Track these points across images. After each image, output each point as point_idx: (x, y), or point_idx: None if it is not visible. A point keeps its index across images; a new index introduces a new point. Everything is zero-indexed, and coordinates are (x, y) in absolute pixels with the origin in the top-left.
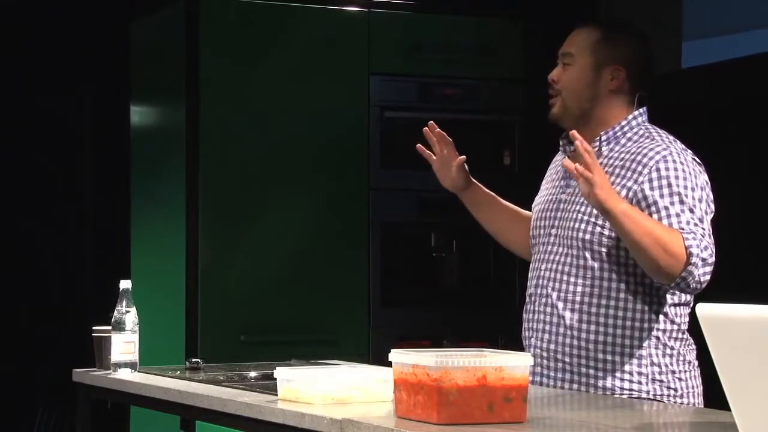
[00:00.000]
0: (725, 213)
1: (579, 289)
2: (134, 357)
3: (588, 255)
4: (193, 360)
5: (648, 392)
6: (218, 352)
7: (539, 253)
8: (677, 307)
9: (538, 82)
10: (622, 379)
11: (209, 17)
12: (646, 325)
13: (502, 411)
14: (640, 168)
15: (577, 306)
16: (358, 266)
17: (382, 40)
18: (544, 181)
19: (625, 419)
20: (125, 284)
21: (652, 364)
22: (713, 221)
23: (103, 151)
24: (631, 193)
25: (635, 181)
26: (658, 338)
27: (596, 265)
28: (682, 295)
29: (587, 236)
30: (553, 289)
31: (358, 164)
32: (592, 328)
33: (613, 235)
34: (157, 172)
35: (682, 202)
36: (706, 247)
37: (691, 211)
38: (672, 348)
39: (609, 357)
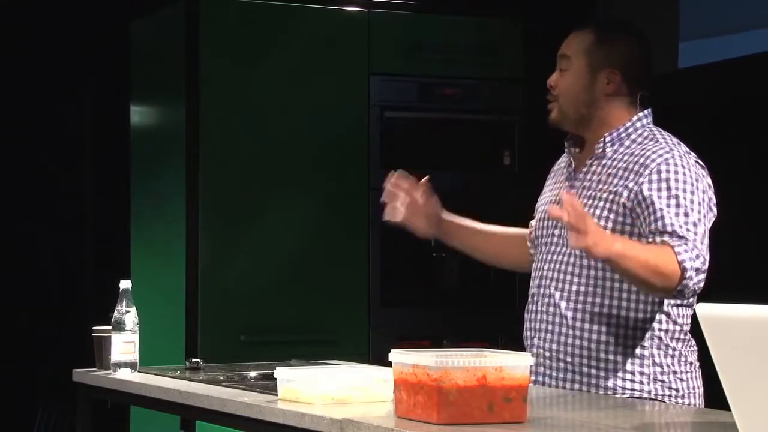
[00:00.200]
0: (725, 213)
1: (582, 288)
2: (134, 357)
3: None
4: (193, 360)
5: (649, 392)
6: (218, 352)
7: (542, 253)
8: (679, 308)
9: (538, 82)
10: (623, 379)
11: (209, 17)
12: (648, 325)
13: (502, 411)
14: (641, 170)
15: (579, 306)
16: (358, 266)
17: (382, 40)
18: (548, 182)
19: (626, 419)
20: (125, 284)
21: (654, 364)
22: (714, 223)
23: (103, 151)
24: (633, 195)
25: (636, 182)
26: (660, 339)
27: (599, 264)
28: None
29: None
30: (555, 288)
31: (358, 164)
32: (594, 327)
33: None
34: (157, 172)
35: (678, 204)
36: (698, 256)
37: (686, 214)
38: (674, 349)
39: (611, 357)
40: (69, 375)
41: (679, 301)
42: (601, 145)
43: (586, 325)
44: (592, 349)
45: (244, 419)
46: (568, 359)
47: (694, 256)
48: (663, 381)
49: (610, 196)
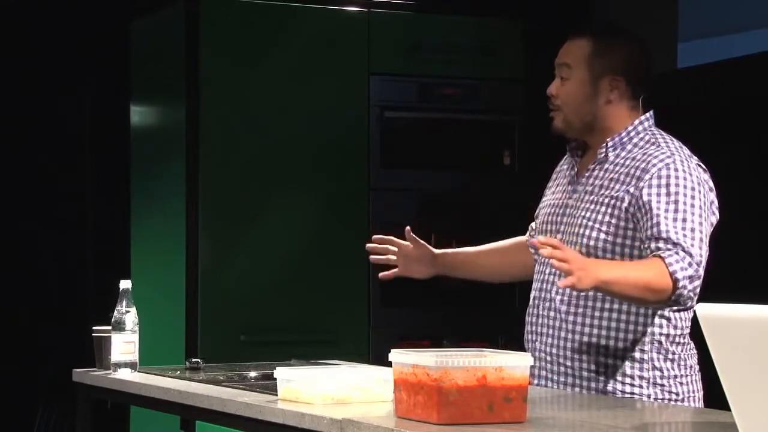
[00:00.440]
0: (725, 213)
1: (582, 293)
2: (134, 357)
3: (591, 258)
4: (193, 360)
5: (649, 396)
6: (218, 352)
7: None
8: (679, 312)
9: (538, 82)
10: (623, 383)
11: (209, 17)
12: (648, 329)
13: (502, 411)
14: (642, 174)
15: (580, 309)
16: (358, 266)
17: (382, 40)
18: (550, 185)
19: (626, 419)
20: (125, 284)
21: (654, 368)
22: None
23: (103, 151)
24: (633, 200)
25: (636, 187)
26: (660, 343)
27: None
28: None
29: (591, 242)
30: (556, 292)
31: (358, 164)
32: (595, 331)
33: (617, 240)
34: (157, 172)
35: (676, 210)
36: (690, 264)
37: (684, 219)
38: (674, 353)
39: (611, 361)
40: (69, 375)
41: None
42: (604, 150)
43: (587, 329)
44: (591, 353)
45: (244, 419)
46: (568, 363)
47: (686, 264)
48: (663, 385)
49: (612, 201)
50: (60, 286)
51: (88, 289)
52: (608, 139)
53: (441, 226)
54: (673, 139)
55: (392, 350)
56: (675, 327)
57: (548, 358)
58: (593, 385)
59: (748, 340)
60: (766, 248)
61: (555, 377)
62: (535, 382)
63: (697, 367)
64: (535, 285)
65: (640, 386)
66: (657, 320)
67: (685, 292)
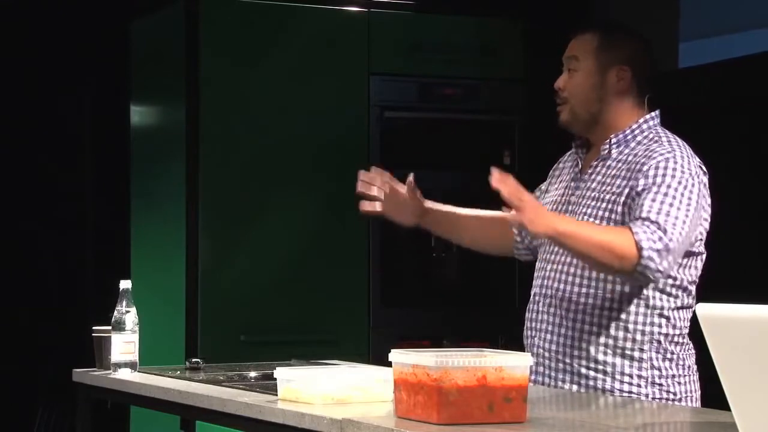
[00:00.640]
0: (725, 213)
1: (583, 290)
2: (134, 357)
3: None
4: (193, 360)
5: (647, 395)
6: (218, 352)
7: (545, 253)
8: (679, 311)
9: (538, 82)
10: (621, 382)
11: (209, 17)
12: (647, 328)
13: (502, 411)
14: (641, 167)
15: (580, 307)
16: (358, 266)
17: (382, 40)
18: (552, 181)
19: (626, 419)
20: (125, 284)
21: (652, 367)
22: (715, 223)
23: (103, 151)
24: (632, 192)
25: (635, 179)
26: (659, 342)
27: None
28: (684, 298)
29: None
30: (557, 289)
31: (358, 164)
32: (594, 329)
33: None
34: (157, 172)
35: (665, 194)
36: (660, 239)
37: (671, 205)
38: (672, 352)
39: (609, 359)
40: (69, 375)
41: (679, 304)
42: (607, 146)
43: (586, 327)
44: (590, 351)
45: (244, 419)
46: (567, 360)
47: (656, 238)
48: (661, 384)
49: (613, 197)
50: (60, 286)
51: (88, 289)
52: (612, 136)
53: None
54: (677, 138)
55: (392, 350)
56: (674, 326)
57: (546, 355)
58: (591, 383)
59: (748, 340)
60: (766, 248)
61: (553, 374)
62: (533, 378)
63: (695, 368)
64: (535, 282)
65: (638, 385)
66: (656, 319)
67: (652, 265)
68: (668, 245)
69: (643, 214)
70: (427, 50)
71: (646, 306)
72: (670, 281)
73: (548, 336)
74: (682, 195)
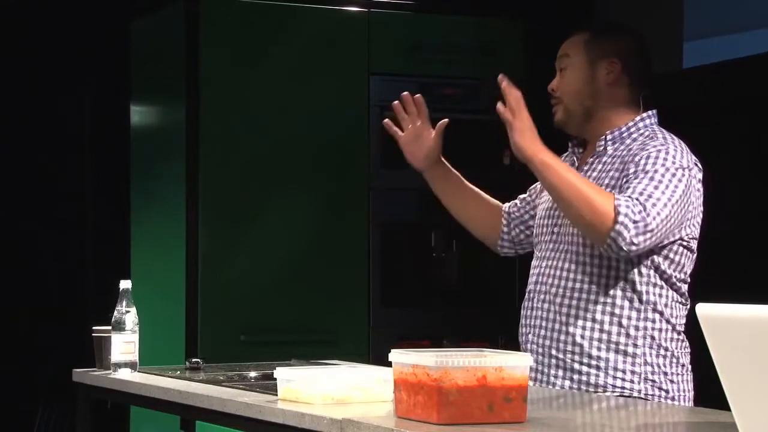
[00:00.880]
0: (725, 213)
1: (577, 285)
2: (134, 357)
3: (588, 251)
4: (193, 360)
5: (640, 391)
6: (218, 352)
7: (541, 250)
8: (673, 308)
9: (538, 82)
10: (614, 377)
11: (209, 17)
12: (641, 323)
13: (502, 411)
14: (634, 158)
15: (573, 302)
16: (358, 266)
17: (382, 40)
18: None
19: (626, 419)
20: (125, 284)
21: (646, 363)
22: (715, 223)
23: (103, 151)
24: (624, 180)
25: (627, 170)
26: (652, 338)
27: (595, 261)
28: (677, 295)
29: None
30: (551, 285)
31: (358, 164)
32: (588, 324)
33: None
34: (157, 172)
35: (651, 178)
36: (640, 212)
37: (655, 188)
38: (666, 349)
39: (603, 354)
40: (69, 375)
41: (673, 298)
42: (603, 142)
43: (579, 322)
44: (584, 345)
45: (244, 419)
46: (560, 356)
47: (636, 210)
48: (654, 381)
49: (607, 190)
50: (60, 286)
51: (88, 289)
52: (607, 132)
53: (441, 226)
54: (675, 136)
55: (392, 350)
56: (668, 322)
57: (540, 351)
58: (584, 378)
59: (748, 340)
60: (766, 248)
61: (546, 370)
62: None
63: (690, 367)
64: (531, 279)
65: (631, 381)
66: (650, 314)
67: (625, 233)
68: (646, 221)
69: (628, 193)
70: (427, 50)
71: (640, 301)
72: (658, 273)
73: (542, 332)
74: (670, 181)
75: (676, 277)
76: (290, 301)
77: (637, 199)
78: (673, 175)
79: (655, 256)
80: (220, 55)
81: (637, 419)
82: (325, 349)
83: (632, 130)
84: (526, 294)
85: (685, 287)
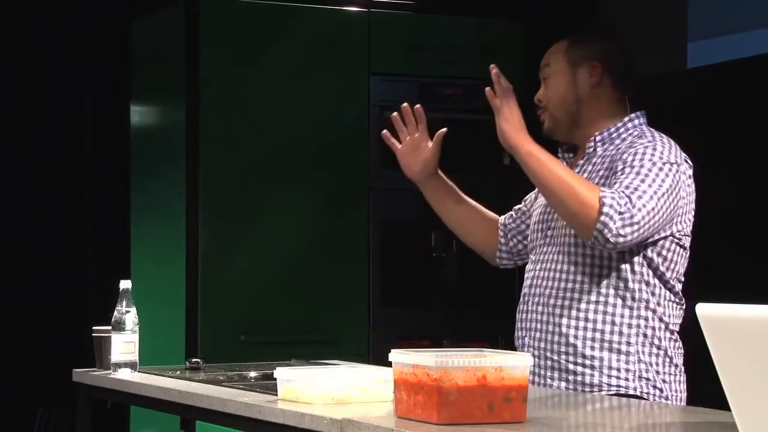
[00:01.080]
0: (725, 213)
1: (569, 285)
2: (134, 357)
3: (580, 251)
4: (193, 360)
5: (634, 389)
6: (218, 352)
7: (536, 254)
8: (666, 306)
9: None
10: (609, 376)
11: (209, 17)
12: (634, 321)
13: (502, 411)
14: (622, 156)
15: (567, 302)
16: (358, 266)
17: (382, 40)
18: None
19: (625, 419)
20: (125, 284)
21: (639, 361)
22: (714, 223)
23: (103, 151)
24: (612, 178)
25: (615, 169)
26: (645, 336)
27: (588, 261)
28: (669, 293)
29: (580, 238)
30: (545, 287)
31: (358, 164)
32: (581, 324)
33: None
34: (157, 172)
35: (638, 173)
36: (626, 204)
37: (642, 181)
38: (659, 347)
39: (597, 353)
40: (69, 375)
41: (666, 297)
42: (592, 144)
43: (573, 321)
44: (578, 345)
45: (244, 419)
46: (555, 357)
47: (622, 202)
48: (648, 379)
49: None
50: (60, 286)
51: (88, 289)
52: (596, 133)
53: (441, 226)
54: (663, 135)
55: (392, 350)
56: (661, 320)
57: (536, 353)
58: (579, 378)
59: (748, 340)
60: (767, 248)
61: (542, 371)
62: None
63: (683, 368)
64: (525, 282)
65: (626, 379)
66: (643, 312)
67: (611, 224)
68: (632, 212)
69: (614, 187)
70: (427, 50)
71: (633, 299)
72: (651, 270)
73: (537, 334)
74: (657, 175)
75: (669, 275)
76: (290, 301)
77: (623, 192)
78: (660, 169)
79: (647, 252)
80: (220, 55)
81: (637, 419)
82: (325, 349)
83: (621, 130)
84: (521, 298)
85: (679, 286)
